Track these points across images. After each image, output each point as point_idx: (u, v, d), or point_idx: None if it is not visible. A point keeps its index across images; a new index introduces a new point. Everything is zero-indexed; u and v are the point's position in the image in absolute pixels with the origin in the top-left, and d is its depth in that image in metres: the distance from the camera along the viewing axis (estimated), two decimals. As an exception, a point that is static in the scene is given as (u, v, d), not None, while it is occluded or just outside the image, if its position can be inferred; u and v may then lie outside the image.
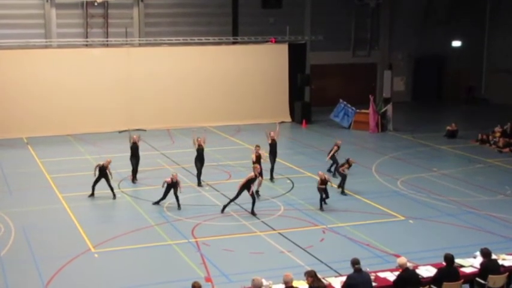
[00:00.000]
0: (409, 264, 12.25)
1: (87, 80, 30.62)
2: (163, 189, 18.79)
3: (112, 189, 19.91)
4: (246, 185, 18.17)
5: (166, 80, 31.90)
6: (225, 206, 18.49)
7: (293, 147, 28.23)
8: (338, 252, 15.50)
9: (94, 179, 19.81)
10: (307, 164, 24.40)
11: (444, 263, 12.36)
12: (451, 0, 38.74)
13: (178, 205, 18.82)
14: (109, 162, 20.02)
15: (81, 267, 14.77)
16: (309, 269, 12.22)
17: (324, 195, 18.83)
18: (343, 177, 20.35)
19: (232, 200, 18.42)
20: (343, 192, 20.17)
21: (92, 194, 19.90)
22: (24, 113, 29.68)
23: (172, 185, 18.68)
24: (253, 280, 11.34)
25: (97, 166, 19.87)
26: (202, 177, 21.49)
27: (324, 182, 18.78)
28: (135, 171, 21.97)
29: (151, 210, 18.73)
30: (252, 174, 18.39)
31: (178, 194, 18.78)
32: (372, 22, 38.54)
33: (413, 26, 39.07)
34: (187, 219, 18.02)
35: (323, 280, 11.94)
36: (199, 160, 21.42)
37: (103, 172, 19.76)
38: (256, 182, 19.48)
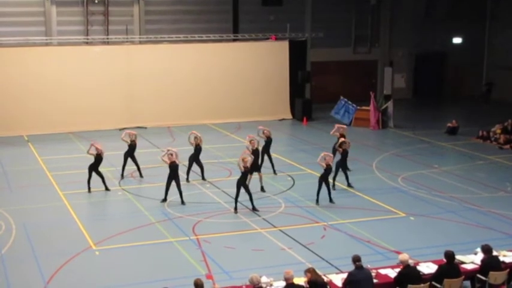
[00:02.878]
0: (410, 261, 12.27)
1: (87, 78, 30.60)
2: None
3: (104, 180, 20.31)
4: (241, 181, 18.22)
5: (167, 77, 31.87)
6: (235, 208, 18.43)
7: (294, 145, 28.23)
8: (339, 249, 15.50)
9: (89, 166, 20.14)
10: (308, 161, 24.37)
11: (445, 260, 12.37)
12: (451, -4, 38.77)
13: (182, 201, 18.84)
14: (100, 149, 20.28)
15: (82, 265, 14.78)
16: (310, 266, 12.24)
17: (322, 186, 18.78)
18: (337, 168, 20.26)
19: (236, 199, 18.39)
20: (333, 186, 19.98)
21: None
22: (24, 111, 29.67)
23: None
24: (251, 277, 11.35)
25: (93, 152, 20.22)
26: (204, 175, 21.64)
27: (328, 166, 18.76)
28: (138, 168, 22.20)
29: (152, 208, 18.73)
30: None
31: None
32: (373, 19, 38.44)
33: (414, 23, 39.02)
34: (188, 216, 18.02)
35: (323, 277, 11.97)
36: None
37: (99, 159, 19.94)
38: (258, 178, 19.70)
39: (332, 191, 19.29)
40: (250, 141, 20.73)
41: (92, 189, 20.19)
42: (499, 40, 39.42)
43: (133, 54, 31.64)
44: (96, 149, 20.20)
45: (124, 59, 31.30)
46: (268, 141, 22.14)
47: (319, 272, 11.98)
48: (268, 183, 20.92)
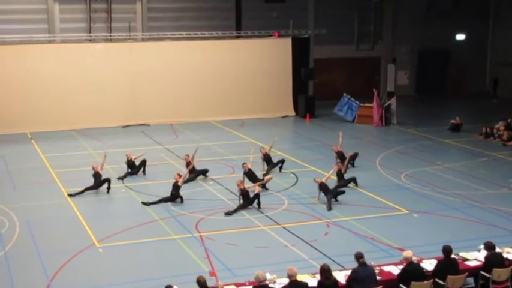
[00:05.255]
0: (413, 258, 12.25)
1: (90, 75, 30.63)
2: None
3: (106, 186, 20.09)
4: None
5: (170, 74, 31.89)
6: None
7: (297, 142, 28.22)
8: (342, 246, 15.48)
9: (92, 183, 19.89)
10: (311, 158, 24.39)
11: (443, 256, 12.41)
12: (454, -8, 38.71)
13: (181, 199, 18.85)
14: (98, 168, 20.15)
15: (85, 262, 14.79)
16: (313, 263, 12.20)
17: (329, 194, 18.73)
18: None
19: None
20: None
21: (79, 193, 19.66)
22: (27, 108, 29.72)
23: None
24: (257, 275, 11.35)
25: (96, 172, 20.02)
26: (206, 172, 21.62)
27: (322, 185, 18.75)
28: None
29: (155, 205, 18.70)
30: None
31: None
32: (376, 15, 38.38)
33: (417, 19, 38.99)
34: (191, 213, 18.03)
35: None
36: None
37: (99, 178, 19.86)
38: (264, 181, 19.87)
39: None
40: (243, 165, 20.74)
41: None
42: (502, 37, 39.36)
43: (136, 51, 31.64)
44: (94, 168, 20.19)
45: (127, 57, 31.32)
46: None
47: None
48: (271, 180, 20.86)
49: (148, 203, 18.68)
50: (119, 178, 21.31)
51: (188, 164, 21.31)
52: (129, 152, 22.34)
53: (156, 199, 18.83)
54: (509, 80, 38.02)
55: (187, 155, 21.56)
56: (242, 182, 18.80)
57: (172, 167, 22.84)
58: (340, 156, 22.46)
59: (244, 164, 20.64)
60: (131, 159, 21.85)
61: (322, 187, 18.66)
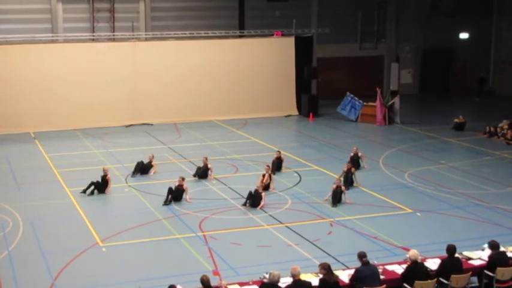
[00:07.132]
0: (418, 257, 12.23)
1: (93, 75, 30.63)
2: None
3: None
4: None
5: (173, 73, 31.87)
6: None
7: (300, 141, 28.21)
8: (345, 245, 15.49)
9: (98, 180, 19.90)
10: (314, 157, 24.37)
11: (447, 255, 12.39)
12: (457, -9, 38.64)
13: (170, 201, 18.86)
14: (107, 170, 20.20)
15: (89, 261, 14.81)
16: (317, 262, 12.19)
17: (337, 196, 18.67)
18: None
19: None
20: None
21: (84, 192, 19.71)
22: (31, 108, 29.72)
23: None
24: (273, 274, 11.27)
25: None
26: (209, 171, 21.59)
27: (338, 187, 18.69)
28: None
29: (158, 204, 18.71)
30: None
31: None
32: (379, 14, 38.41)
33: (420, 18, 38.92)
34: (194, 213, 18.03)
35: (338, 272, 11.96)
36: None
37: (104, 179, 19.91)
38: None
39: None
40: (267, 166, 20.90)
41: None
42: (506, 35, 39.28)
43: (140, 51, 31.62)
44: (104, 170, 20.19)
45: (130, 56, 31.31)
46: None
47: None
48: (275, 179, 20.85)
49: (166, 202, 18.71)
50: (132, 175, 21.52)
51: (205, 165, 21.38)
52: (152, 154, 22.29)
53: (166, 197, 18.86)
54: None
55: (205, 158, 21.63)
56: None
57: (175, 166, 22.86)
58: (355, 159, 22.25)
59: (267, 165, 20.72)
60: (151, 161, 21.86)
61: (338, 190, 18.62)
